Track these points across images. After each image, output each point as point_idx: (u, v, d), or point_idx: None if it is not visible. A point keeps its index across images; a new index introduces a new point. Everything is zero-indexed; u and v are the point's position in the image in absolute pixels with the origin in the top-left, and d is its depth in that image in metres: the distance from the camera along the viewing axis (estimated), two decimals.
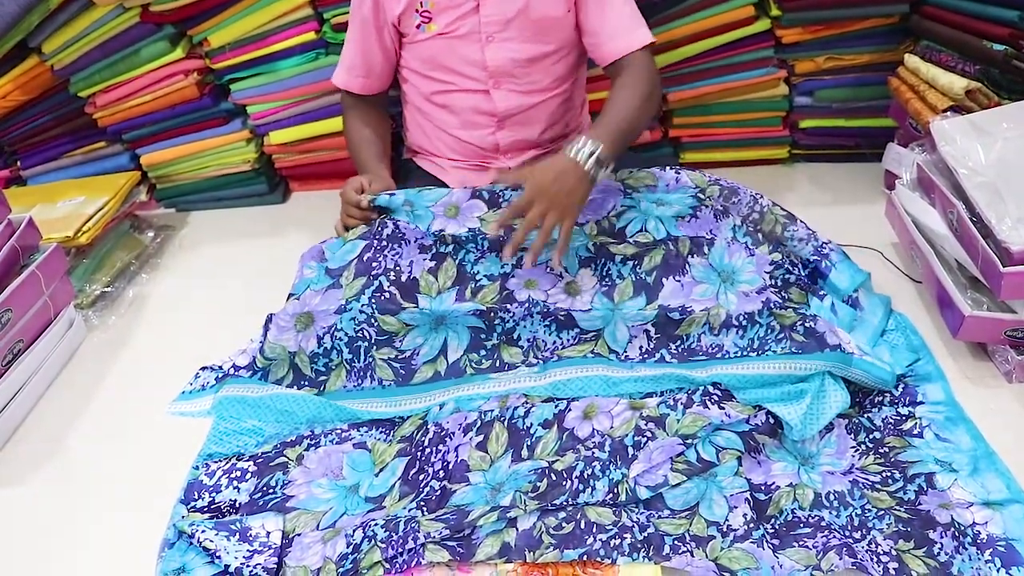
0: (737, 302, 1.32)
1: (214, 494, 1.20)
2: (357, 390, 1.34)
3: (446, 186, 1.57)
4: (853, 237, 1.62)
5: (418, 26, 1.51)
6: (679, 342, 1.29)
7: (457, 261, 1.38)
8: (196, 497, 1.20)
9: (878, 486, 1.13)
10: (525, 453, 1.19)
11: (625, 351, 1.32)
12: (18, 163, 2.06)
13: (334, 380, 1.36)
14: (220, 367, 1.43)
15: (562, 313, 1.33)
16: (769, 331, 1.26)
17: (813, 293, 1.40)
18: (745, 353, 1.21)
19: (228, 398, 1.35)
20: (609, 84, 1.52)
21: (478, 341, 1.35)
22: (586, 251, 1.39)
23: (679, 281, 1.34)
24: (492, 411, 1.25)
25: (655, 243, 1.39)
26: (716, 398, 1.23)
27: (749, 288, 1.33)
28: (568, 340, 1.34)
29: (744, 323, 1.28)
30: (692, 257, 1.37)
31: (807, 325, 1.27)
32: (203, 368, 1.45)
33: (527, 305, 1.34)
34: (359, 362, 1.35)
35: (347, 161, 2.00)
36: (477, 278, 1.37)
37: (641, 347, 1.32)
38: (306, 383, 1.36)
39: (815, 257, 1.43)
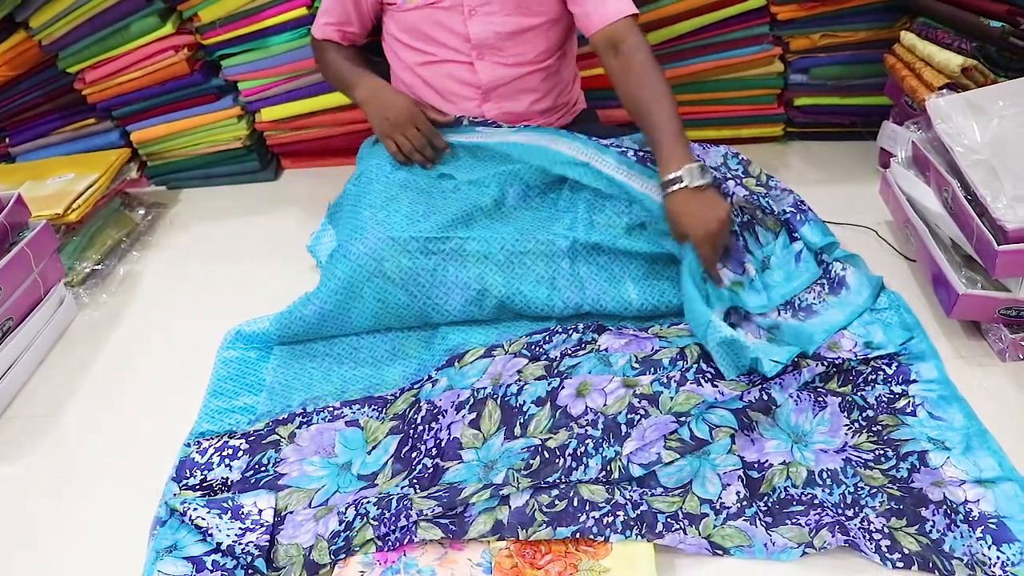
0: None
1: (206, 472, 1.20)
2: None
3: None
4: (847, 215, 1.62)
5: None
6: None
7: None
8: (188, 475, 1.20)
9: (871, 464, 1.13)
10: (518, 431, 1.19)
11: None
12: (6, 140, 2.03)
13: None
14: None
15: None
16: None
17: (787, 233, 1.45)
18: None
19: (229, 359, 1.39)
20: (601, 58, 1.50)
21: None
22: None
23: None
24: (485, 388, 1.25)
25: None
26: (710, 375, 1.23)
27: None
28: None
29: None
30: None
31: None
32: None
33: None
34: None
35: (340, 138, 2.02)
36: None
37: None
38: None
39: (791, 210, 1.47)
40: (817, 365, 1.25)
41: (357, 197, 1.52)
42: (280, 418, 1.29)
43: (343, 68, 1.63)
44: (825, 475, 1.12)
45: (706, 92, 1.94)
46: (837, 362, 1.26)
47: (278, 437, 1.25)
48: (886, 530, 1.04)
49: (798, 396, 1.22)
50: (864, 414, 1.21)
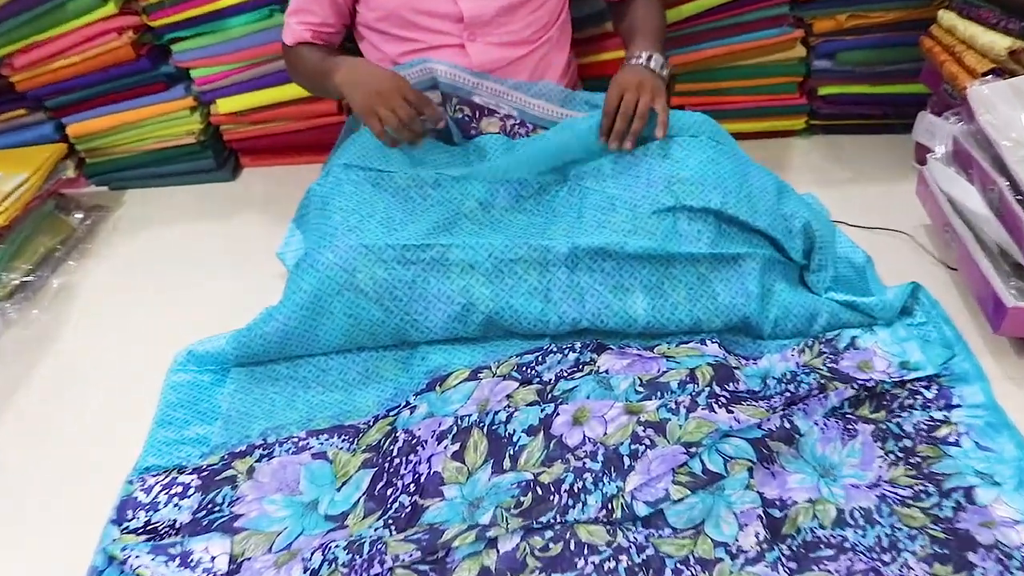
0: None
1: (151, 513, 1.19)
2: None
3: None
4: (879, 219, 1.62)
5: None
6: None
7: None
8: (130, 516, 1.19)
9: (910, 501, 1.13)
10: (507, 464, 1.19)
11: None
12: None
13: None
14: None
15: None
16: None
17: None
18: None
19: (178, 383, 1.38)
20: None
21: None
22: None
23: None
24: (470, 416, 1.24)
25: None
26: (724, 400, 1.22)
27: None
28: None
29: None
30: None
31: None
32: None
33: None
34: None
35: (307, 133, 2.03)
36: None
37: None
38: None
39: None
40: (846, 388, 1.25)
41: (324, 200, 1.52)
42: (237, 450, 1.28)
43: (317, 62, 1.63)
44: (857, 514, 1.11)
45: (719, 80, 1.95)
46: (869, 385, 1.26)
47: (235, 472, 1.24)
48: None
49: (825, 424, 1.22)
50: (901, 444, 1.20)
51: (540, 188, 1.51)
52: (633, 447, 1.16)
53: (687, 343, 1.38)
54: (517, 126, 1.62)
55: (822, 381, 1.26)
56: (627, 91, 1.47)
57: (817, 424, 1.22)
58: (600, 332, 1.40)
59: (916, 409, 1.25)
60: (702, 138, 1.48)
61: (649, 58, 1.54)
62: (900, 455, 1.19)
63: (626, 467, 1.14)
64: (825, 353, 1.34)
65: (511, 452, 1.20)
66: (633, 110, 1.46)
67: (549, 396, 1.28)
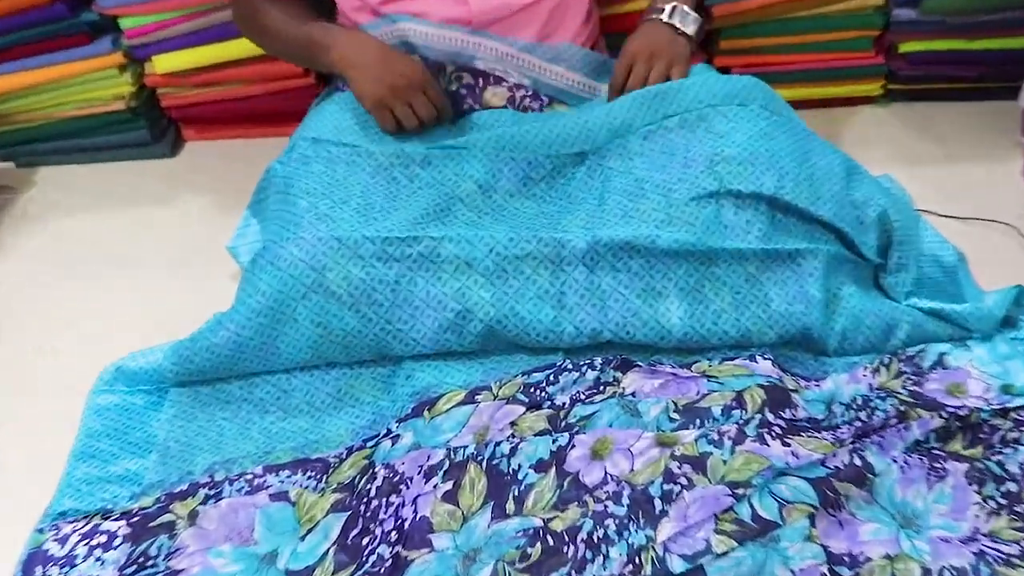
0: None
1: (67, 569, 1.19)
2: None
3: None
4: (974, 207, 1.63)
5: None
6: None
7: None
8: (39, 575, 1.19)
9: (1016, 561, 1.13)
10: (511, 507, 1.19)
11: None
12: None
13: None
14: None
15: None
16: None
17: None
18: None
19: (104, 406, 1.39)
20: None
21: None
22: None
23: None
24: (465, 448, 1.25)
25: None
26: (779, 430, 1.22)
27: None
28: None
29: None
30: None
31: None
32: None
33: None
34: None
35: (265, 99, 2.03)
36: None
37: None
38: None
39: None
40: (932, 417, 1.24)
41: (288, 181, 1.53)
42: (177, 490, 1.28)
43: (296, 28, 1.63)
44: (948, 575, 1.12)
45: (772, 36, 1.95)
46: (962, 413, 1.25)
47: (173, 517, 1.24)
48: None
49: (906, 461, 1.22)
50: (1003, 488, 1.20)
51: (553, 169, 1.52)
52: (666, 487, 1.16)
53: (733, 360, 1.38)
54: (529, 98, 1.63)
55: (902, 408, 1.25)
56: (637, 61, 1.51)
57: (896, 461, 1.21)
58: (625, 346, 1.40)
59: (1022, 445, 1.25)
60: (752, 107, 1.48)
61: (673, 10, 1.56)
62: (1002, 502, 1.19)
63: (658, 512, 1.14)
64: (906, 373, 1.34)
65: (516, 492, 1.20)
66: (642, 86, 1.48)
67: (563, 424, 1.28)
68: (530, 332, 1.39)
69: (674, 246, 1.38)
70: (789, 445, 1.20)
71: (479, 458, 1.24)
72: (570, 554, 1.12)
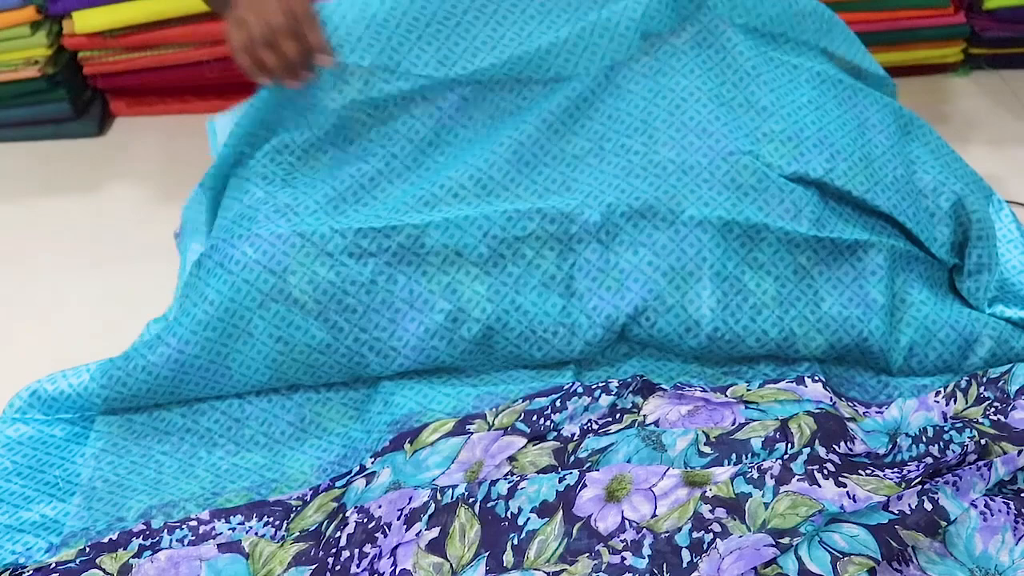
0: None
1: None
2: None
3: None
4: None
5: None
6: None
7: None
8: None
9: None
10: (509, 559, 1.19)
11: None
12: None
13: None
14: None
15: None
16: None
17: None
18: None
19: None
20: None
21: None
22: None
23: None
24: (455, 488, 1.25)
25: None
26: (832, 467, 1.22)
27: None
28: None
29: None
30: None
31: None
32: None
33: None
34: None
35: (204, 66, 2.03)
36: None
37: None
38: None
39: None
40: (1021, 453, 1.24)
41: (240, 162, 1.53)
42: (105, 540, 1.29)
43: None
44: None
45: None
46: None
47: (100, 573, 1.23)
48: None
49: (987, 505, 1.22)
50: None
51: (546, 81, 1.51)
52: (696, 535, 1.17)
53: (776, 382, 1.37)
54: None
55: (983, 442, 1.25)
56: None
57: (975, 506, 1.21)
58: (643, 341, 1.42)
59: None
60: (804, 63, 1.49)
61: None
62: None
63: (685, 565, 1.15)
64: (988, 400, 1.35)
65: (515, 541, 1.21)
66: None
67: (572, 459, 1.29)
68: (536, 329, 1.40)
69: (707, 217, 1.38)
70: (844, 485, 1.20)
71: (471, 500, 1.24)
72: None
